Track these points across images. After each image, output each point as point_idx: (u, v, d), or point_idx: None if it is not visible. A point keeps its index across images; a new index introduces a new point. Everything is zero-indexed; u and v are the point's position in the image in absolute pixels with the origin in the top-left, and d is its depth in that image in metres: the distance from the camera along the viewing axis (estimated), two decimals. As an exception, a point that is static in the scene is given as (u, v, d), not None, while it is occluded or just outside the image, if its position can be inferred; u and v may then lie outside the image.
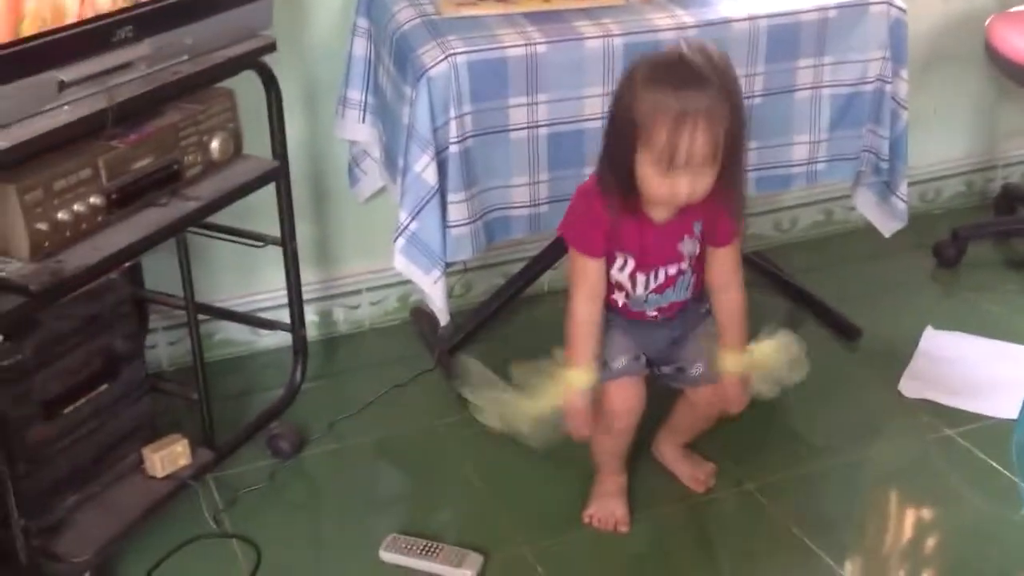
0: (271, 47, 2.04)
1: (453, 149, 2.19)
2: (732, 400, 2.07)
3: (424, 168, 2.19)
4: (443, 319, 2.35)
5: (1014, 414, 2.40)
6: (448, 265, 2.30)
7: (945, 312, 2.83)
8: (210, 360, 2.62)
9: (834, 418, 2.45)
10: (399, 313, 2.83)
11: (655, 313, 2.08)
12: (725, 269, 2.06)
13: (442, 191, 2.21)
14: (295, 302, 2.32)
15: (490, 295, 2.80)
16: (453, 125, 2.18)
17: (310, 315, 2.73)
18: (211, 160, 2.01)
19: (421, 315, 2.79)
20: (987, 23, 2.89)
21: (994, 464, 2.29)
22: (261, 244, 2.26)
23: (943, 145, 3.27)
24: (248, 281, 2.64)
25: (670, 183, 1.84)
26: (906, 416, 2.44)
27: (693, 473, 2.26)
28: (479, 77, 2.17)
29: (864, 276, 3.00)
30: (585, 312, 2.00)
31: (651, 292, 2.05)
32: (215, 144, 2.00)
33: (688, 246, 2.02)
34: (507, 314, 2.76)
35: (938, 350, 2.65)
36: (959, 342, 2.68)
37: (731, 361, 2.04)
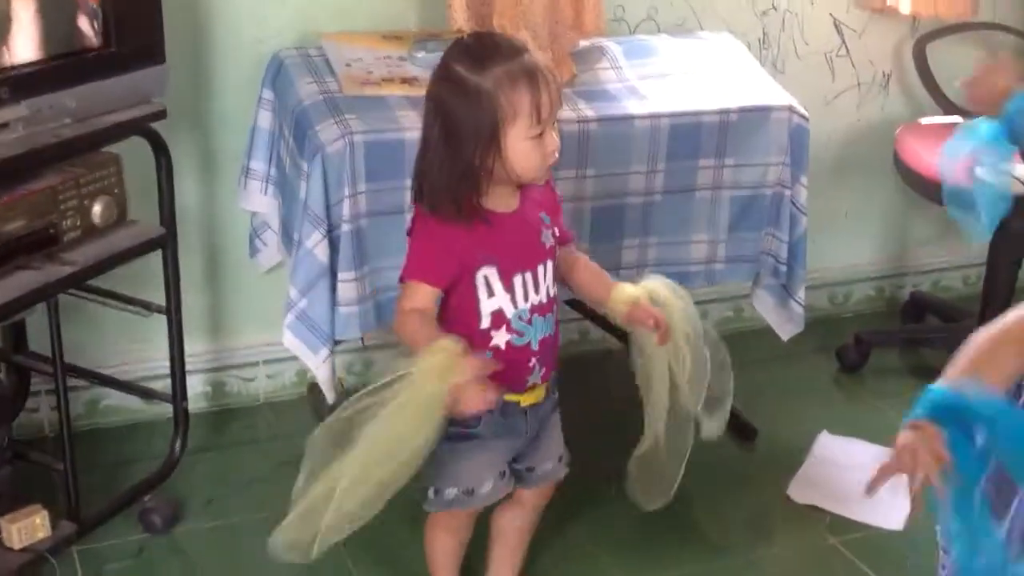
0: (161, 114, 2.02)
1: (346, 228, 2.18)
2: (650, 319, 1.87)
3: (315, 245, 2.18)
4: (329, 397, 2.32)
5: (897, 525, 2.41)
6: (337, 343, 2.28)
7: (844, 417, 2.83)
8: (95, 427, 2.61)
9: (724, 518, 2.44)
10: (297, 388, 2.79)
11: (537, 349, 1.88)
12: (567, 256, 1.97)
13: (333, 269, 2.20)
14: (177, 373, 2.27)
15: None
16: (347, 204, 2.17)
17: (202, 385, 2.70)
18: (92, 224, 1.98)
19: (318, 391, 2.75)
20: (896, 133, 2.95)
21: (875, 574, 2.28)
22: (147, 313, 2.22)
23: (853, 250, 3.32)
24: (142, 348, 2.59)
25: (542, 144, 1.77)
26: (793, 521, 2.43)
27: None
28: (376, 157, 2.17)
29: (768, 376, 3.00)
30: (415, 313, 1.82)
31: (533, 310, 1.87)
32: (97, 208, 1.98)
33: (548, 238, 1.90)
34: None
35: (830, 455, 2.64)
36: (851, 448, 2.68)
37: (625, 290, 1.91)
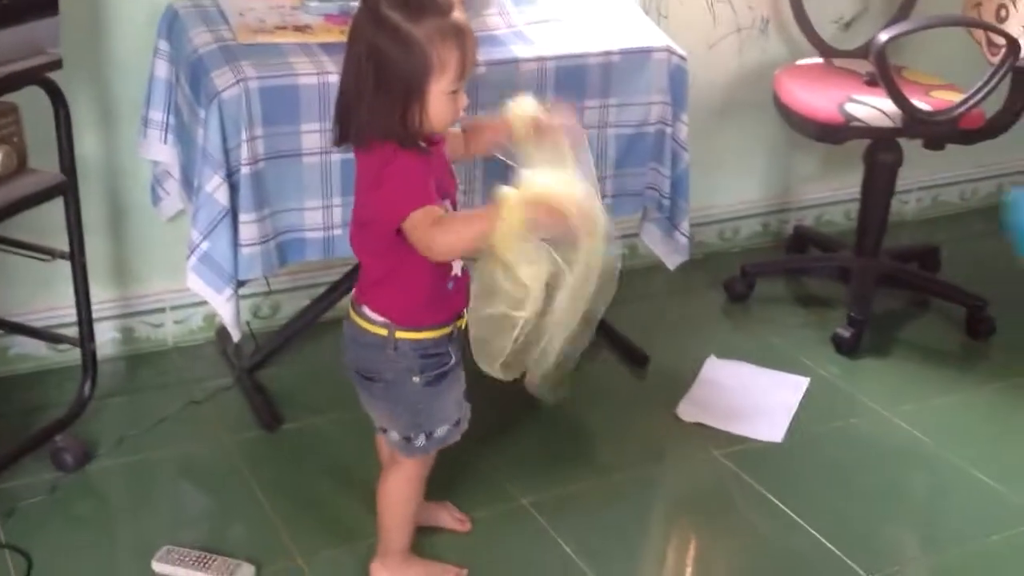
0: (56, 64, 2.07)
1: (244, 171, 2.25)
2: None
3: (216, 188, 2.25)
4: (235, 336, 2.41)
5: (777, 437, 2.58)
6: (241, 284, 2.36)
7: (731, 343, 2.99)
8: (6, 375, 2.66)
9: (614, 439, 2.58)
10: (204, 332, 2.86)
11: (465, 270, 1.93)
12: (455, 137, 1.99)
13: (234, 211, 2.28)
14: (84, 317, 2.34)
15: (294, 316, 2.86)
16: (245, 147, 2.24)
17: (111, 332, 2.76)
18: (-8, 172, 2.03)
19: (226, 334, 2.83)
20: (775, 75, 3.10)
21: (753, 483, 2.44)
22: (48, 258, 2.28)
23: (740, 188, 3.47)
24: (49, 295, 2.64)
25: (456, 100, 1.81)
26: (680, 438, 2.58)
27: (451, 515, 2.28)
28: (271, 102, 2.24)
29: (660, 309, 3.16)
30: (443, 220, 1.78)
31: None
32: (-3, 157, 2.03)
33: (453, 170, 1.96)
34: (311, 335, 2.82)
35: (718, 377, 2.81)
36: (738, 370, 2.84)
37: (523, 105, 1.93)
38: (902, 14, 3.18)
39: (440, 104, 1.79)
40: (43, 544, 2.14)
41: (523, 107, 1.95)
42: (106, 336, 2.75)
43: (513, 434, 2.56)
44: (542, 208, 1.69)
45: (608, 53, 2.51)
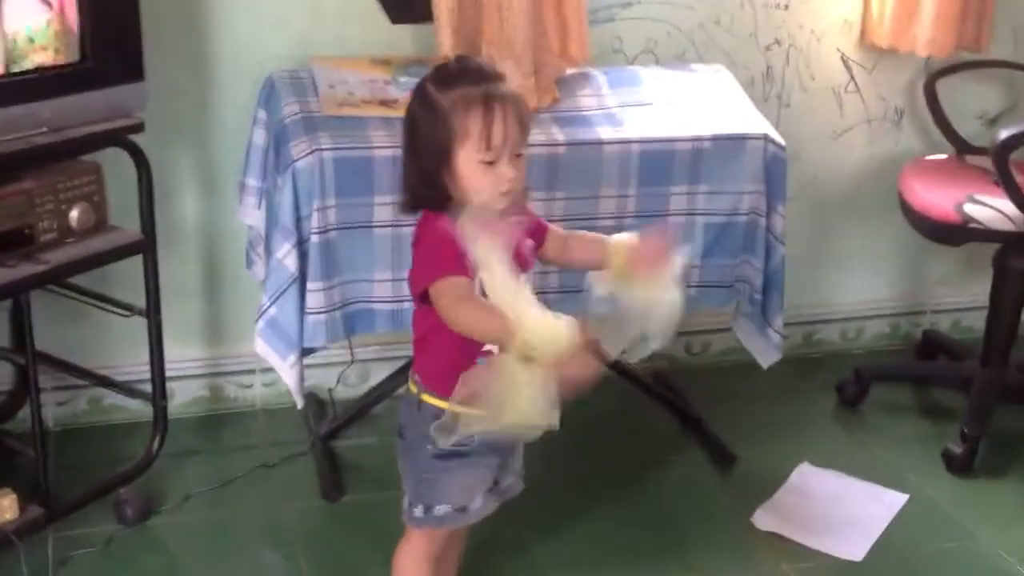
0: (139, 127, 2.16)
1: (315, 239, 2.28)
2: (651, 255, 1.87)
3: (285, 255, 2.29)
4: (299, 403, 2.42)
5: (857, 556, 2.39)
6: (307, 352, 2.38)
7: (832, 451, 2.81)
8: (95, 424, 2.75)
9: (678, 543, 2.45)
10: (292, 397, 2.90)
11: None
12: (558, 237, 1.96)
13: (302, 278, 2.30)
14: (156, 374, 2.39)
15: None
16: (316, 216, 2.27)
17: (201, 390, 2.83)
18: (69, 227, 2.12)
19: (313, 400, 2.86)
20: (901, 171, 2.93)
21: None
22: (128, 313, 2.36)
23: (866, 285, 3.29)
24: (141, 351, 2.72)
25: (494, 171, 1.76)
26: (750, 548, 2.43)
27: None
28: (344, 173, 2.27)
29: (764, 408, 3.00)
30: (467, 300, 1.75)
31: None
32: (74, 213, 2.12)
33: (529, 254, 1.88)
34: (392, 407, 2.81)
35: (806, 486, 2.63)
36: (829, 480, 2.66)
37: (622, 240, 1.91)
38: (1049, 111, 2.98)
39: (472, 173, 1.76)
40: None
41: (626, 240, 1.91)
42: (195, 394, 2.82)
43: (575, 522, 2.47)
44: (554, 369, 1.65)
45: (699, 139, 2.43)
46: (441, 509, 1.91)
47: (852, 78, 3.04)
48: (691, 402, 2.94)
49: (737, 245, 2.50)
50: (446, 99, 1.76)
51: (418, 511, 1.91)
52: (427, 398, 1.86)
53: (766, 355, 2.62)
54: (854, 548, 2.41)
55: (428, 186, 1.79)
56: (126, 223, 2.30)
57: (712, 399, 2.98)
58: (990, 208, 2.62)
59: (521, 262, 1.85)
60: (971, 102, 3.14)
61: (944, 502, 2.62)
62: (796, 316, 3.19)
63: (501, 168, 1.78)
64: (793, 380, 3.09)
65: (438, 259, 1.76)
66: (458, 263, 1.75)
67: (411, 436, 1.90)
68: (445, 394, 1.81)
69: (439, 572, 2.04)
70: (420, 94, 1.80)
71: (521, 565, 2.34)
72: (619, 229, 2.41)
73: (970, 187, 2.71)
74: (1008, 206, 2.58)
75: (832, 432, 2.95)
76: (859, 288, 3.29)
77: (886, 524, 2.51)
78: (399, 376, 2.75)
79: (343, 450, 2.70)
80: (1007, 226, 2.61)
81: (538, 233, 1.91)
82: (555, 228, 1.96)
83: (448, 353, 1.80)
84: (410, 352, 2.83)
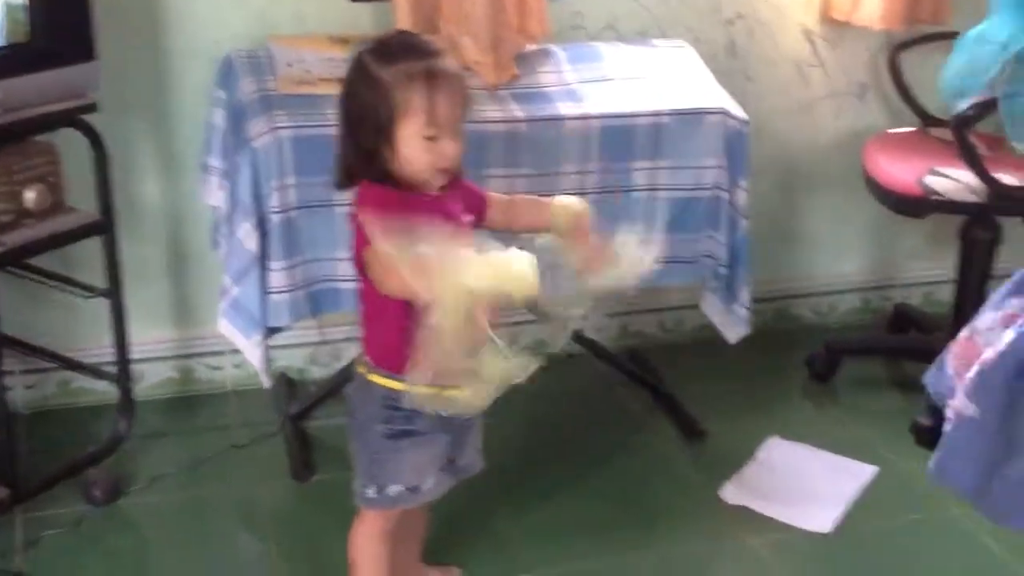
0: (91, 107, 2.15)
1: (275, 218, 2.28)
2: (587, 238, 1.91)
3: (246, 235, 2.29)
4: (265, 383, 2.43)
5: (825, 528, 2.40)
6: (273, 331, 2.38)
7: (803, 425, 2.82)
8: (64, 407, 2.76)
9: (645, 516, 2.46)
10: (264, 377, 2.91)
11: None
12: (501, 202, 1.96)
13: (264, 258, 2.30)
14: (121, 356, 2.40)
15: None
16: (276, 195, 2.27)
17: (170, 371, 2.83)
18: (25, 209, 2.12)
19: (283, 380, 2.87)
20: (865, 145, 2.93)
21: (787, 575, 2.28)
22: (90, 295, 2.36)
23: (836, 260, 3.30)
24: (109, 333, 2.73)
25: (436, 147, 1.76)
26: (718, 521, 2.44)
27: None
28: (303, 151, 2.27)
29: (735, 384, 3.01)
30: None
31: None
32: (30, 195, 2.12)
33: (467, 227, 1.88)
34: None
35: (774, 459, 2.64)
36: (797, 453, 2.67)
37: (569, 203, 1.91)
38: (1014, 83, 2.97)
39: (413, 148, 1.76)
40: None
41: (569, 203, 1.92)
42: (165, 375, 2.82)
43: (546, 500, 2.48)
44: (473, 297, 1.63)
45: (659, 114, 2.43)
46: (393, 489, 1.91)
47: (815, 52, 3.04)
48: (663, 378, 2.95)
49: (700, 220, 2.50)
50: (388, 74, 1.75)
51: (371, 492, 1.92)
52: (375, 378, 1.86)
53: (733, 330, 2.63)
54: (822, 520, 2.42)
55: (366, 162, 1.78)
56: (87, 205, 2.30)
57: (685, 375, 2.99)
58: (952, 180, 2.62)
59: (454, 215, 1.84)
60: (935, 75, 3.14)
61: (913, 474, 2.62)
62: (768, 292, 3.20)
63: (443, 144, 1.78)
64: (765, 355, 3.09)
65: (383, 221, 1.73)
66: (391, 231, 1.70)
67: (361, 416, 1.90)
68: (393, 371, 1.82)
69: (399, 551, 2.05)
70: (359, 69, 1.79)
71: (491, 542, 2.35)
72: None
73: (933, 160, 2.72)
74: (970, 178, 2.59)
75: (802, 406, 2.96)
76: (830, 263, 3.30)
77: (854, 497, 2.52)
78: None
79: (314, 430, 2.70)
80: (969, 197, 2.62)
81: (478, 206, 1.91)
82: (496, 195, 1.96)
83: (393, 326, 1.79)
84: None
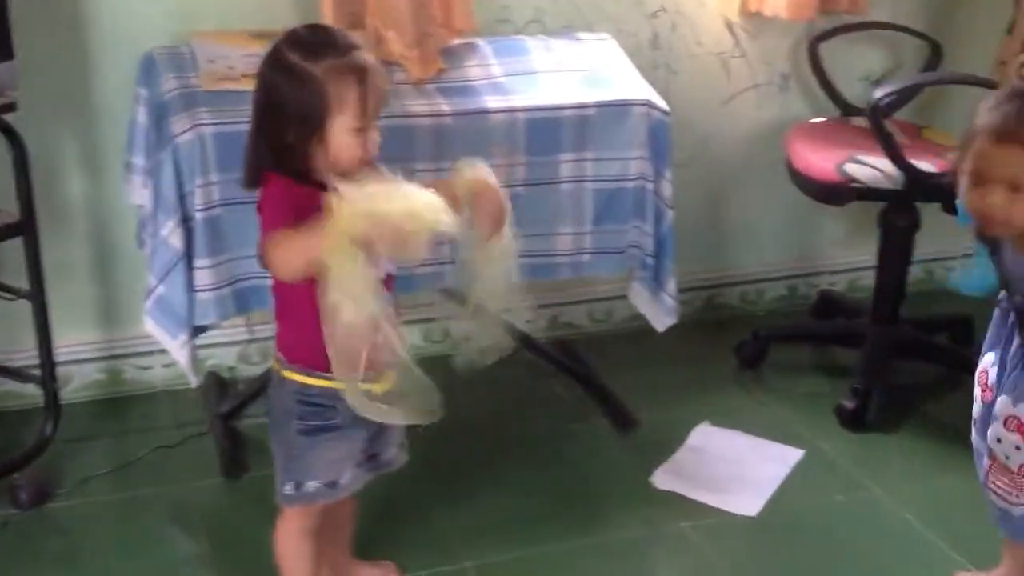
0: (10, 107, 2.12)
1: (199, 216, 2.26)
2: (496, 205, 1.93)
3: (170, 233, 2.27)
4: (192, 382, 2.41)
5: (752, 511, 2.45)
6: (201, 330, 2.37)
7: (732, 411, 2.86)
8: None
9: (581, 506, 2.48)
10: (195, 377, 2.88)
11: None
12: None
13: (189, 256, 2.29)
14: (45, 358, 2.37)
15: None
16: (199, 193, 2.25)
17: (97, 373, 2.80)
18: (-57, 211, 2.09)
19: (213, 379, 2.85)
20: (787, 134, 2.98)
21: (715, 559, 2.32)
22: (13, 297, 2.33)
23: (763, 249, 3.35)
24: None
25: (363, 138, 1.78)
26: (650, 508, 2.47)
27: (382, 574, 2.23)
28: (226, 148, 2.25)
29: (666, 373, 3.05)
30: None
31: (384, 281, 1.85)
32: (-52, 196, 2.08)
33: None
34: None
35: (704, 446, 2.68)
36: (727, 439, 2.71)
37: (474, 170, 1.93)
38: (929, 71, 3.04)
39: (343, 142, 1.77)
40: (-20, 579, 2.17)
41: (469, 172, 1.93)
42: (93, 377, 2.79)
43: (480, 492, 2.49)
44: (370, 222, 1.63)
45: (583, 106, 2.46)
46: (311, 485, 1.91)
47: (738, 44, 3.09)
48: (594, 369, 2.97)
49: (627, 211, 2.53)
50: (318, 69, 1.75)
51: (288, 488, 1.92)
52: (288, 374, 1.86)
53: (661, 319, 2.66)
54: (749, 504, 2.46)
55: (282, 157, 1.78)
56: (8, 206, 2.27)
57: (616, 365, 3.02)
58: (870, 167, 2.68)
59: None
60: (856, 64, 3.21)
61: (837, 457, 2.68)
62: (696, 281, 3.25)
63: (371, 134, 1.80)
64: (695, 344, 3.14)
65: (272, 218, 1.76)
66: (288, 220, 1.72)
67: (277, 413, 1.90)
68: (305, 367, 1.82)
69: (328, 548, 2.05)
70: (281, 65, 1.78)
71: (426, 536, 2.36)
72: (510, 199, 2.46)
73: (852, 147, 2.77)
74: (887, 165, 2.64)
75: (731, 393, 3.00)
76: (757, 251, 3.35)
77: (781, 480, 2.56)
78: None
79: (245, 428, 2.69)
80: (887, 184, 2.67)
81: None
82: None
83: (303, 321, 1.78)
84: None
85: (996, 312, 2.04)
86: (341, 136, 1.77)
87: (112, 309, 2.78)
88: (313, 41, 1.80)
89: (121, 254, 2.73)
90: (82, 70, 2.58)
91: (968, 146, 1.85)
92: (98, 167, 2.66)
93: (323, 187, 1.79)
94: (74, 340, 2.72)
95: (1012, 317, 1.97)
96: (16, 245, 2.30)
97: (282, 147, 1.77)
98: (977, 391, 2.07)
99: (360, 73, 1.77)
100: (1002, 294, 2.00)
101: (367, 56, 1.80)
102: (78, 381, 2.77)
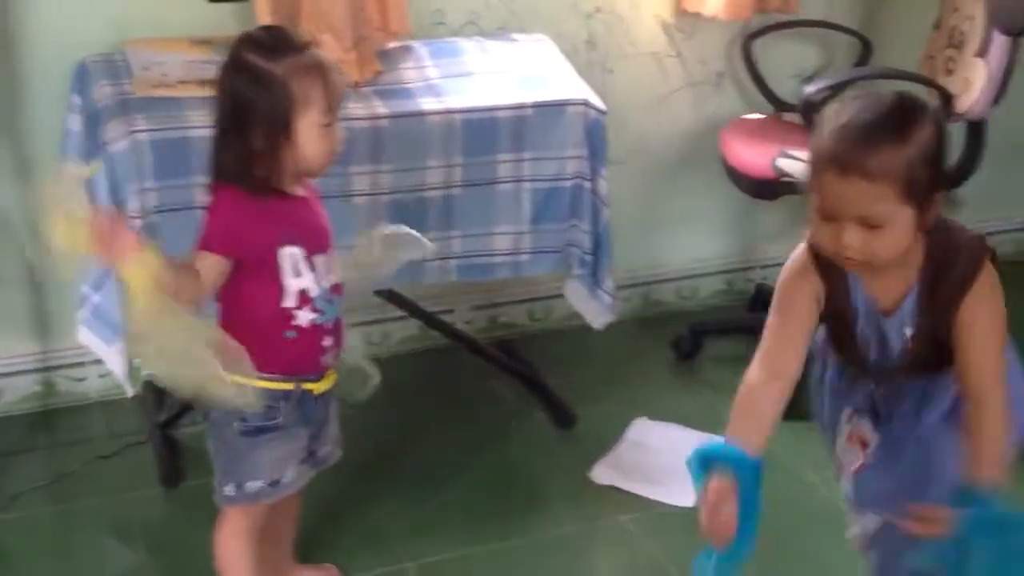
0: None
1: (135, 223, 2.24)
2: None
3: (105, 240, 2.24)
4: (128, 391, 2.39)
5: (688, 502, 2.47)
6: (137, 338, 2.34)
7: (670, 405, 2.89)
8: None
9: (521, 503, 2.50)
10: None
11: (332, 328, 1.92)
12: None
13: (125, 264, 2.26)
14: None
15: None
16: (135, 199, 2.23)
17: (33, 385, 2.76)
18: None
19: (150, 388, 2.82)
20: (721, 131, 3.02)
21: (652, 550, 2.36)
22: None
23: (698, 245, 3.38)
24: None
25: (331, 133, 1.83)
26: (589, 503, 2.50)
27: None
28: (162, 155, 2.23)
29: (604, 369, 3.07)
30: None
31: (331, 290, 1.91)
32: None
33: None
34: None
35: (642, 439, 2.72)
36: (664, 432, 2.75)
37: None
38: (860, 67, 3.10)
39: (312, 139, 1.81)
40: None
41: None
42: (27, 390, 2.75)
43: (420, 491, 2.50)
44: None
45: (521, 107, 2.47)
46: (252, 485, 1.92)
47: (672, 43, 3.11)
48: (534, 367, 2.99)
49: (564, 210, 2.54)
50: (280, 68, 1.77)
51: (229, 489, 1.92)
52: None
53: (598, 316, 2.68)
54: (686, 495, 2.49)
55: (256, 162, 1.79)
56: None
57: (555, 362, 3.03)
58: (802, 162, 2.70)
59: (312, 236, 1.88)
60: (789, 62, 3.25)
61: (773, 445, 2.71)
62: (633, 278, 3.28)
63: (337, 129, 1.85)
64: (633, 340, 3.16)
65: (205, 237, 1.81)
66: (219, 239, 1.79)
67: (215, 414, 1.90)
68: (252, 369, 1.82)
69: (269, 551, 2.05)
70: (243, 69, 1.79)
71: (368, 537, 2.36)
72: (448, 199, 2.48)
73: (784, 143, 2.81)
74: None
75: (669, 386, 3.03)
76: (692, 247, 3.38)
77: (719, 471, 2.60)
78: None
79: (183, 436, 2.66)
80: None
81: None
82: None
83: (243, 325, 1.81)
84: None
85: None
86: (310, 132, 1.80)
87: (45, 320, 2.74)
88: (271, 42, 1.81)
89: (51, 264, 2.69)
90: (14, 80, 2.54)
91: (816, 174, 1.61)
92: (30, 176, 2.61)
93: (283, 194, 1.84)
94: (5, 352, 2.69)
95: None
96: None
97: (248, 153, 1.78)
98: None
99: (322, 69, 1.81)
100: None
101: (323, 53, 1.85)
102: (11, 394, 2.73)
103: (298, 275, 1.86)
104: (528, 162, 2.49)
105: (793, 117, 2.98)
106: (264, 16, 2.51)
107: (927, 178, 1.56)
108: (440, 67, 2.59)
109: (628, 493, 2.51)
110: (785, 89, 3.14)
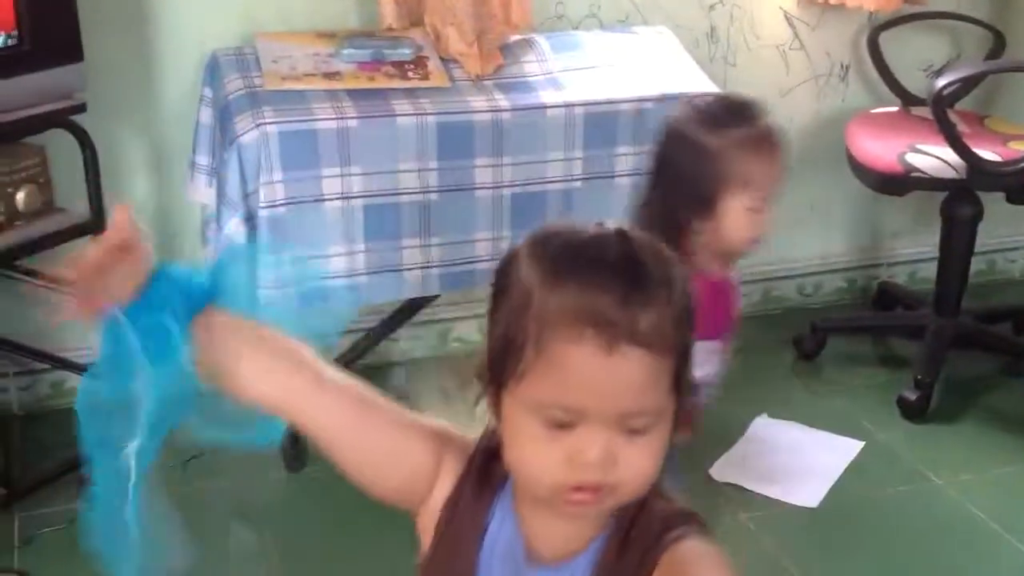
0: (80, 108, 2.17)
1: (263, 214, 2.30)
2: None
3: (233, 229, 2.31)
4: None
5: (812, 502, 2.45)
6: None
7: (791, 403, 2.85)
8: (59, 407, 2.76)
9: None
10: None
11: None
12: None
13: (253, 253, 2.32)
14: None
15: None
16: (263, 191, 2.29)
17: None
18: (16, 211, 2.13)
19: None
20: (847, 125, 2.96)
21: (774, 550, 2.32)
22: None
23: (821, 241, 3.32)
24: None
25: (759, 217, 1.70)
26: (708, 499, 2.46)
27: None
28: (289, 147, 2.28)
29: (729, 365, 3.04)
30: None
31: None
32: (20, 196, 2.13)
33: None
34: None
35: (764, 437, 2.68)
36: (786, 431, 2.71)
37: None
38: (991, 60, 3.01)
39: (738, 220, 1.69)
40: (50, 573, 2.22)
41: None
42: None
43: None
44: None
45: (642, 100, 2.46)
46: None
47: (796, 35, 3.07)
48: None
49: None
50: (717, 141, 1.67)
51: None
52: None
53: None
54: (809, 495, 2.46)
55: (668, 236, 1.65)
56: (75, 205, 2.32)
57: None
58: (932, 157, 2.66)
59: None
60: (916, 54, 3.17)
61: (899, 448, 2.67)
62: (754, 273, 3.23)
63: (765, 217, 1.72)
64: (753, 336, 3.11)
65: None
66: None
67: None
68: None
69: None
70: (680, 135, 1.71)
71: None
72: (568, 192, 2.48)
73: (913, 137, 2.75)
74: (949, 154, 2.62)
75: (790, 385, 2.99)
76: (814, 244, 3.33)
77: (841, 471, 2.56)
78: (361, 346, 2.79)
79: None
80: (949, 174, 2.65)
81: None
82: None
83: None
84: (370, 325, 2.92)
85: None
86: (737, 214, 1.69)
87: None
88: (718, 112, 1.74)
89: (185, 253, 2.77)
90: (148, 72, 2.62)
91: None
92: (163, 167, 2.70)
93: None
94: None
95: None
96: (83, 244, 2.34)
97: (668, 224, 1.61)
98: None
99: (768, 145, 1.70)
100: None
101: (772, 121, 1.73)
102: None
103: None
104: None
105: (921, 111, 2.90)
106: (388, 11, 2.56)
107: None
108: (561, 60, 2.59)
109: (748, 491, 2.48)
110: (913, 83, 3.07)
